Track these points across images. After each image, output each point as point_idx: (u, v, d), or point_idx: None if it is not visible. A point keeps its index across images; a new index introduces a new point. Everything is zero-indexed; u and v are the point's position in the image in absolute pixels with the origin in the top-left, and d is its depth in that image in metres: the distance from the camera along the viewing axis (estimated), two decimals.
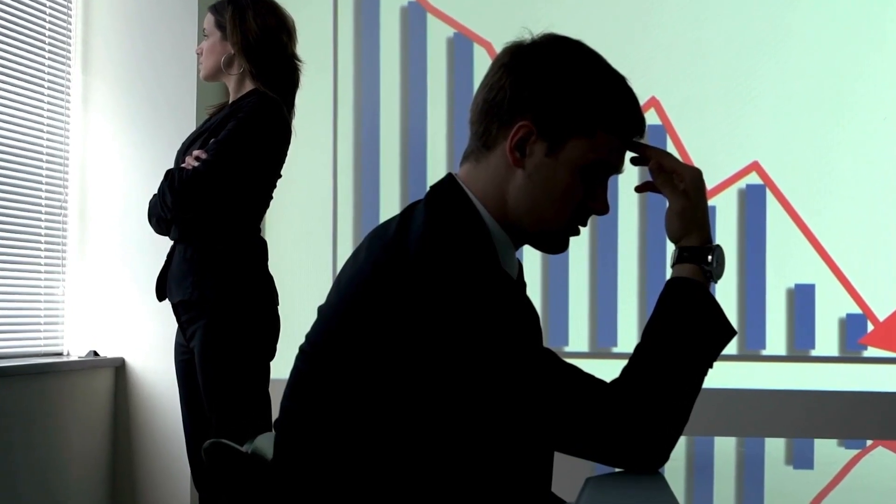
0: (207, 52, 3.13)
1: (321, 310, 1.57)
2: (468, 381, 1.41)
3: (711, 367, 1.48)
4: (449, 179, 1.56)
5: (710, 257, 1.51)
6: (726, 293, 4.17)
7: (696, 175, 1.55)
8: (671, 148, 4.26)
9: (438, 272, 1.41)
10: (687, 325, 1.46)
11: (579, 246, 4.28)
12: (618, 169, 1.56)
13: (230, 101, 3.14)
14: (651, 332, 1.47)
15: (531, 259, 4.14)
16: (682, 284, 1.50)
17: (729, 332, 1.49)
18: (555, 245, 1.56)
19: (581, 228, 1.56)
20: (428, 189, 1.56)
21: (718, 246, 1.53)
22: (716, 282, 1.52)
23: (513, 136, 1.51)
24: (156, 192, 3.06)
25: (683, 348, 1.45)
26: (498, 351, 1.40)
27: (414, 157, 4.47)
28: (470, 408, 1.42)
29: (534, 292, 4.13)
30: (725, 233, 4.21)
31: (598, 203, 1.54)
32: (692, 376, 1.45)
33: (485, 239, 1.49)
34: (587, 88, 1.50)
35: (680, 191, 1.54)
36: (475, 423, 1.43)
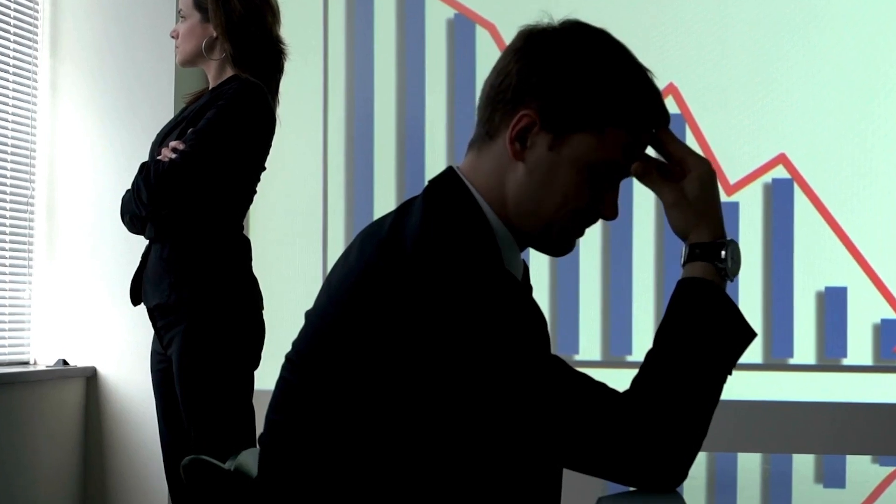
0: (185, 35, 3.12)
1: (309, 315, 1.57)
2: (471, 391, 1.41)
3: (731, 373, 1.48)
4: (449, 173, 1.55)
5: (723, 253, 1.50)
6: (751, 296, 4.17)
7: (705, 165, 1.54)
8: (690, 139, 4.26)
9: (437, 272, 1.41)
10: (702, 328, 1.46)
11: (590, 244, 4.28)
12: (631, 171, 1.55)
13: (209, 88, 3.14)
14: (662, 337, 1.47)
15: (538, 258, 4.14)
16: (694, 284, 1.49)
17: (749, 334, 1.49)
18: (557, 247, 1.56)
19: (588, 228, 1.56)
20: (426, 183, 1.56)
21: (732, 241, 1.52)
22: (731, 280, 1.51)
23: (514, 126, 1.50)
24: (129, 187, 3.06)
25: (699, 354, 1.44)
26: (503, 358, 1.40)
27: (411, 149, 4.47)
28: (474, 421, 1.42)
29: (541, 295, 4.13)
30: (749, 231, 4.21)
31: (604, 207, 1.53)
32: (710, 384, 1.45)
33: (487, 236, 1.49)
34: (599, 79, 1.49)
35: (673, 183, 1.52)
36: (480, 438, 1.43)
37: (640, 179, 1.53)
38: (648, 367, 1.45)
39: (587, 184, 1.51)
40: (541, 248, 1.57)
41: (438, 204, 1.50)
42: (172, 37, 3.17)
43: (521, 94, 1.50)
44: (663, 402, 1.41)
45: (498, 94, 1.52)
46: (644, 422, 1.40)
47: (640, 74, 1.53)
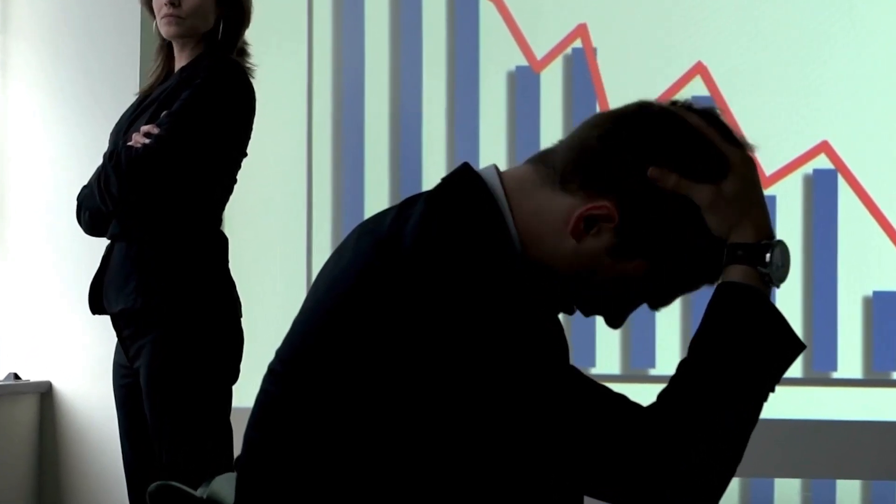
0: (199, 9, 3.05)
1: (296, 321, 1.57)
2: (477, 411, 1.41)
3: (773, 390, 1.48)
4: (464, 169, 1.55)
5: (768, 256, 1.51)
6: (789, 302, 4.17)
7: (746, 160, 1.55)
8: None
9: (440, 273, 1.41)
10: (743, 338, 1.46)
11: None
12: (654, 306, 1.59)
13: (177, 68, 3.13)
14: (698, 346, 1.47)
15: None
16: (735, 290, 1.50)
17: (796, 346, 1.49)
18: (562, 305, 1.59)
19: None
20: (440, 180, 1.56)
21: (780, 242, 1.52)
22: (777, 286, 1.52)
23: (592, 208, 1.50)
24: (88, 180, 3.06)
25: (739, 367, 1.45)
26: (511, 374, 1.40)
27: (406, 136, 4.48)
28: (482, 440, 1.42)
29: None
30: (788, 228, 4.21)
31: (616, 317, 1.57)
32: (749, 401, 1.45)
33: (501, 235, 1.49)
34: (695, 241, 1.51)
35: (706, 183, 1.53)
36: (488, 459, 1.43)
37: (663, 186, 1.53)
38: (681, 380, 1.45)
39: (614, 295, 1.55)
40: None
41: (448, 199, 1.50)
42: (173, 3, 3.07)
43: (616, 183, 1.50)
44: (695, 420, 1.42)
45: (594, 162, 1.52)
46: (671, 440, 1.41)
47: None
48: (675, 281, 1.55)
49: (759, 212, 1.53)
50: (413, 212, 1.49)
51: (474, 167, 1.55)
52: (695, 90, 4.28)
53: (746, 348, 1.46)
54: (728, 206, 1.52)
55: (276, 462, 1.49)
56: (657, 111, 1.55)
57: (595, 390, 1.44)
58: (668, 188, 1.50)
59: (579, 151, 1.54)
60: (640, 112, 1.55)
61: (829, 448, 4.17)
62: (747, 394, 1.45)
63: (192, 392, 2.98)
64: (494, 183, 1.53)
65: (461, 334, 1.40)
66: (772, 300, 1.51)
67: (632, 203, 1.50)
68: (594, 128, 1.55)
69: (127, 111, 3.19)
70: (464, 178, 1.54)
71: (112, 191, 2.96)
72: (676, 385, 1.45)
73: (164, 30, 3.09)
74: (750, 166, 1.55)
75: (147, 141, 2.95)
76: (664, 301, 1.58)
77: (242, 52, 3.15)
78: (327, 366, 1.46)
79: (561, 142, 1.57)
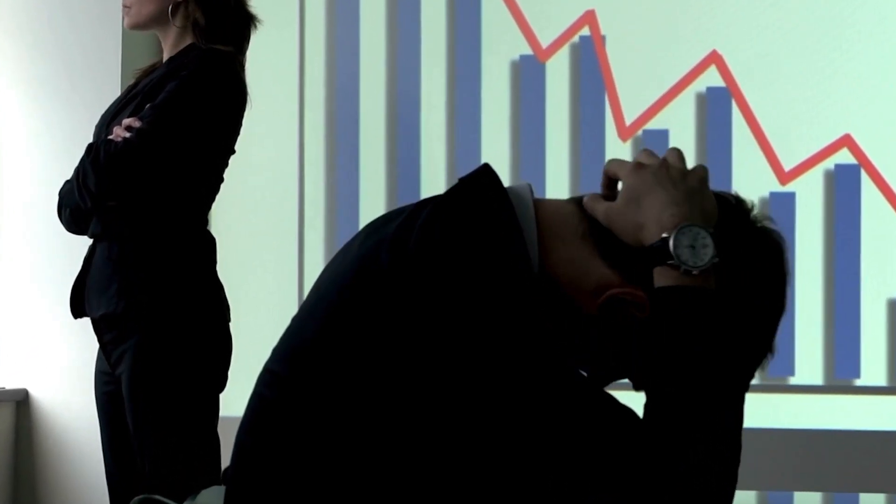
0: None
1: (295, 319, 1.57)
2: (484, 413, 1.42)
3: (747, 388, 1.49)
4: (483, 171, 1.56)
5: (671, 247, 1.50)
6: (810, 305, 4.17)
7: (629, 168, 1.55)
8: (736, 117, 4.27)
9: (446, 274, 1.42)
10: (682, 342, 1.47)
11: None
12: None
13: (165, 59, 3.14)
14: (651, 363, 1.49)
15: None
16: (662, 296, 1.50)
17: (732, 334, 1.50)
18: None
19: None
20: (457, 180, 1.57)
21: (680, 227, 1.51)
22: (699, 270, 1.50)
23: (627, 294, 1.52)
24: (69, 176, 3.07)
25: (692, 372, 1.46)
26: (520, 377, 1.42)
27: (403, 130, 4.48)
28: (486, 447, 1.43)
29: None
30: (808, 227, 4.21)
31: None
32: (721, 402, 1.47)
33: (514, 234, 1.49)
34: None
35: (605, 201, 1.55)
36: (490, 469, 1.44)
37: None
38: (650, 402, 1.47)
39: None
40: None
41: (461, 200, 1.51)
42: None
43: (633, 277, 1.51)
44: (674, 434, 1.44)
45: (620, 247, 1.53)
46: (662, 459, 1.43)
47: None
48: None
49: (653, 212, 1.51)
50: (424, 212, 1.50)
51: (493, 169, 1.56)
52: (709, 81, 4.28)
53: (688, 351, 1.46)
54: (621, 214, 1.52)
55: (272, 470, 1.49)
56: None
57: (610, 404, 1.45)
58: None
59: (614, 216, 1.54)
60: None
61: (852, 459, 4.17)
62: (714, 395, 1.46)
63: (177, 400, 2.98)
64: (525, 195, 1.54)
65: (468, 338, 1.41)
66: (707, 291, 1.50)
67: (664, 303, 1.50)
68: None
69: (113, 103, 3.20)
70: (481, 178, 1.55)
71: (90, 187, 2.97)
72: (649, 408, 1.46)
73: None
74: (632, 173, 1.54)
75: (128, 135, 2.95)
76: None
77: (237, 43, 3.12)
78: (330, 366, 1.46)
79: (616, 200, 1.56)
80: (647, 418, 1.46)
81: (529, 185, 1.57)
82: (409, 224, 1.49)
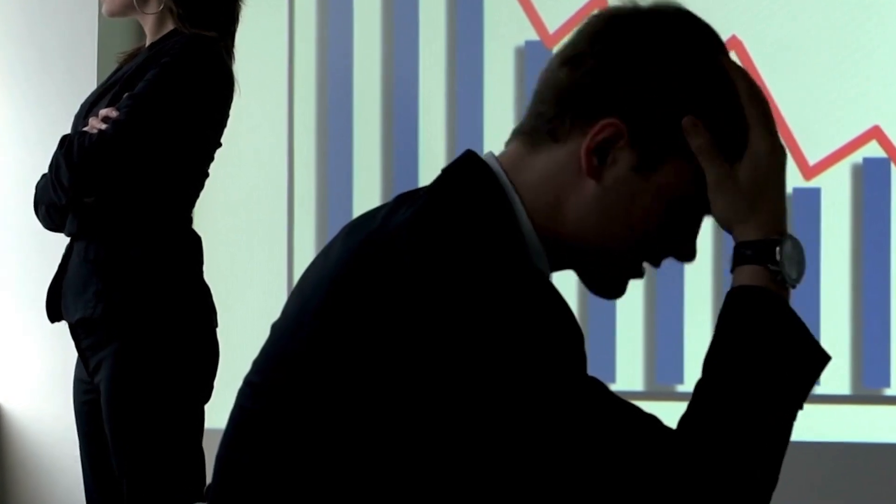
0: None
1: (276, 326, 1.58)
2: (487, 425, 1.42)
3: (801, 407, 1.50)
4: (469, 156, 1.57)
5: (778, 253, 1.52)
6: (835, 308, 4.18)
7: (774, 145, 1.55)
8: None
9: (442, 268, 1.42)
10: (759, 350, 1.47)
11: None
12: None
13: (147, 45, 3.16)
14: (711, 363, 1.49)
15: None
16: (745, 295, 1.51)
17: (820, 358, 1.51)
18: (611, 288, 1.59)
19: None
20: (441, 171, 1.58)
21: (790, 237, 1.52)
22: (793, 286, 1.52)
23: (594, 136, 1.52)
24: (45, 170, 3.08)
25: (757, 383, 1.46)
26: (525, 382, 1.42)
27: (400, 121, 4.49)
28: (494, 461, 1.44)
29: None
30: (834, 224, 4.21)
31: (685, 247, 1.57)
32: (775, 421, 1.48)
33: (512, 231, 1.50)
34: (713, 94, 1.51)
35: (720, 159, 1.53)
36: (499, 483, 1.45)
37: (692, 144, 1.53)
38: (697, 403, 1.47)
39: (669, 219, 1.54)
40: (590, 282, 1.59)
41: (451, 190, 1.52)
42: None
43: (604, 99, 1.51)
44: (717, 447, 1.44)
45: (572, 93, 1.53)
46: (696, 470, 1.43)
47: (758, 95, 1.54)
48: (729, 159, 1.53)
49: (771, 206, 1.53)
50: (412, 204, 1.51)
51: (479, 154, 1.57)
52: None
53: (764, 361, 1.47)
54: (737, 192, 1.53)
55: (255, 487, 1.50)
56: (660, 15, 1.55)
57: (627, 409, 1.46)
58: (693, 147, 1.51)
59: (554, 92, 1.55)
60: (598, 21, 1.56)
61: (882, 474, 4.18)
62: (771, 412, 1.47)
63: (159, 411, 2.99)
64: (499, 170, 1.54)
65: (469, 336, 1.41)
66: (808, 305, 1.53)
67: (627, 103, 1.51)
68: (557, 59, 1.56)
69: (93, 92, 3.20)
70: (468, 166, 1.55)
71: (63, 182, 2.97)
72: (694, 409, 1.47)
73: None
74: (775, 154, 1.54)
75: (104, 127, 2.96)
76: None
77: (222, 27, 3.13)
78: (315, 374, 1.46)
79: (528, 106, 1.58)
80: (691, 422, 1.46)
81: (492, 153, 1.57)
82: (397, 216, 1.49)
